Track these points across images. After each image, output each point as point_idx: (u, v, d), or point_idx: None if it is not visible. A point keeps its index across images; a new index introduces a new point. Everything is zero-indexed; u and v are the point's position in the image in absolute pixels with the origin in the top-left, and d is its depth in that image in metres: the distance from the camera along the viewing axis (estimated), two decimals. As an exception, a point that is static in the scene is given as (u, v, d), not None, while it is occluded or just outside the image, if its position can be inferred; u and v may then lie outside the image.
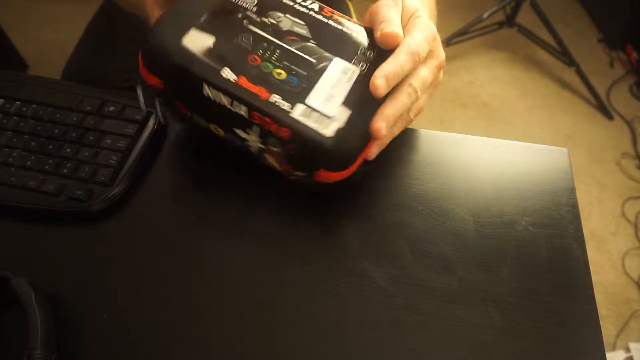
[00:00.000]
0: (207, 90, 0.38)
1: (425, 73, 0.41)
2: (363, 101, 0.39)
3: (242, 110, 0.38)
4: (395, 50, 0.40)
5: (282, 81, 0.39)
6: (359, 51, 0.41)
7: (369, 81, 0.39)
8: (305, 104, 0.38)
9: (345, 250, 0.42)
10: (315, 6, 0.43)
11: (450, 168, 0.47)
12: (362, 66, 0.40)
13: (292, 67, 0.39)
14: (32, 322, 0.35)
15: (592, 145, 1.58)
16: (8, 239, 0.43)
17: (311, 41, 0.41)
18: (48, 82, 0.50)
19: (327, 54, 0.40)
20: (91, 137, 0.46)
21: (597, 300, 0.40)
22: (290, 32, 0.41)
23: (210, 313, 0.39)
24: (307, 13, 0.42)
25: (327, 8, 0.43)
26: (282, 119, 0.37)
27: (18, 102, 0.48)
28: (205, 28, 0.39)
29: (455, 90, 1.70)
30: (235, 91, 0.37)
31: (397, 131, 0.43)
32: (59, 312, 0.38)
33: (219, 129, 0.41)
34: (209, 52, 0.38)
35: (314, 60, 0.40)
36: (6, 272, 0.37)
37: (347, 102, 0.39)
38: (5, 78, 0.51)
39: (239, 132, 0.40)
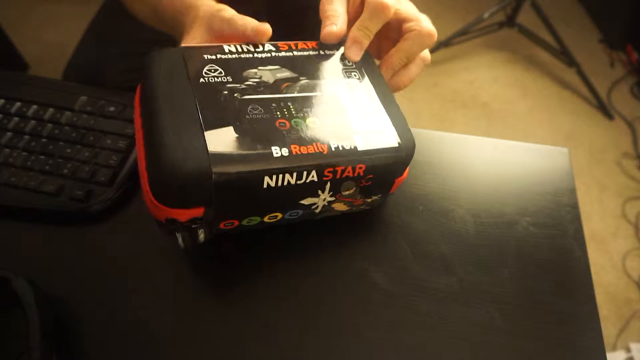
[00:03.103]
0: (268, 181, 0.33)
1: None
2: (389, 100, 0.39)
3: (313, 176, 0.34)
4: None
5: (322, 127, 0.36)
6: (341, 63, 0.40)
7: (378, 83, 0.40)
8: (358, 132, 0.37)
9: (345, 250, 0.42)
10: (271, 47, 0.40)
11: (451, 168, 0.47)
12: (355, 75, 0.40)
13: (314, 109, 0.37)
14: (32, 323, 0.35)
15: (592, 146, 1.58)
16: (8, 239, 0.43)
17: (301, 78, 0.39)
18: (48, 82, 0.50)
19: (323, 81, 0.39)
20: (91, 138, 0.46)
21: (597, 300, 0.40)
22: (279, 80, 0.38)
23: (211, 312, 0.39)
24: (272, 56, 0.39)
25: (280, 42, 0.40)
26: (355, 159, 0.35)
27: (18, 103, 0.48)
28: (211, 125, 0.33)
29: (456, 91, 1.70)
30: (299, 162, 0.33)
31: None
32: (59, 312, 0.38)
33: (277, 214, 0.37)
34: (241, 143, 0.33)
35: (319, 93, 0.38)
36: (7, 273, 0.37)
37: (380, 110, 0.38)
38: (5, 78, 0.51)
39: (307, 200, 0.36)
